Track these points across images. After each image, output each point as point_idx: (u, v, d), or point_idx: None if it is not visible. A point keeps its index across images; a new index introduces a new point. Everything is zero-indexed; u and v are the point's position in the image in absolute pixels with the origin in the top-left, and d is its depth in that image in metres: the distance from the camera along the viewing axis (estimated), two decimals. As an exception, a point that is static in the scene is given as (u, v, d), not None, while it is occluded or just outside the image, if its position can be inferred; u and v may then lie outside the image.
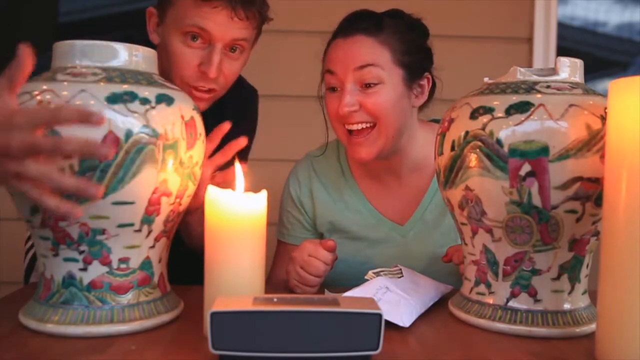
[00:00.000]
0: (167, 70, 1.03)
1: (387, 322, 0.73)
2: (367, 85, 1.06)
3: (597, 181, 0.75)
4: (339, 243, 1.02)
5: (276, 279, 1.18)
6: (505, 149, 0.76)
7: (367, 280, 0.94)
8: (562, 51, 1.96)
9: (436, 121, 1.22)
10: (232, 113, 1.17)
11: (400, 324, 0.79)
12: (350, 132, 1.09)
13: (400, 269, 0.98)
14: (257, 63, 1.11)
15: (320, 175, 1.21)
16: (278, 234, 1.24)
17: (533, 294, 0.81)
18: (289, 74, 1.87)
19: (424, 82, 1.13)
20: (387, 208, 1.17)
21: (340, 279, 1.08)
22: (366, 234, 1.17)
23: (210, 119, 0.97)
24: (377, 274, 0.96)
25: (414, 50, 1.10)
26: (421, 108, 1.16)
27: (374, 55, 1.06)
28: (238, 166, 0.78)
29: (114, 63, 0.78)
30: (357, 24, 1.09)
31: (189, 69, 1.03)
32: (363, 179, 1.19)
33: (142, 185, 0.74)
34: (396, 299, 0.85)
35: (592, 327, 0.78)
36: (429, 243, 1.13)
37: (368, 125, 1.08)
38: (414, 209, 1.16)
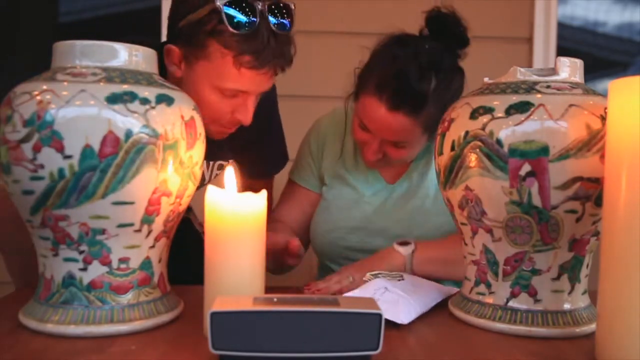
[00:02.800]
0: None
1: (387, 322, 0.73)
2: (397, 145, 1.13)
3: (597, 181, 0.75)
4: (337, 188, 1.24)
5: (279, 215, 1.27)
6: (505, 149, 0.76)
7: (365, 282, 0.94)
8: (562, 51, 1.97)
9: None
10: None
11: (398, 321, 0.79)
12: None
13: (402, 275, 0.98)
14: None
15: (334, 126, 1.30)
16: (290, 172, 1.32)
17: (533, 294, 0.81)
18: (289, 74, 1.87)
19: None
20: (383, 169, 1.26)
21: (332, 220, 1.22)
22: (358, 184, 1.26)
23: None
24: (375, 276, 0.96)
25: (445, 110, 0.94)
26: None
27: (408, 134, 1.11)
28: (230, 169, 0.77)
29: (114, 63, 0.78)
30: (404, 100, 1.06)
31: (222, 116, 1.05)
32: None
33: (142, 185, 0.74)
34: (395, 298, 0.85)
35: (592, 327, 0.78)
36: (411, 197, 1.22)
37: None
38: (404, 170, 1.24)
